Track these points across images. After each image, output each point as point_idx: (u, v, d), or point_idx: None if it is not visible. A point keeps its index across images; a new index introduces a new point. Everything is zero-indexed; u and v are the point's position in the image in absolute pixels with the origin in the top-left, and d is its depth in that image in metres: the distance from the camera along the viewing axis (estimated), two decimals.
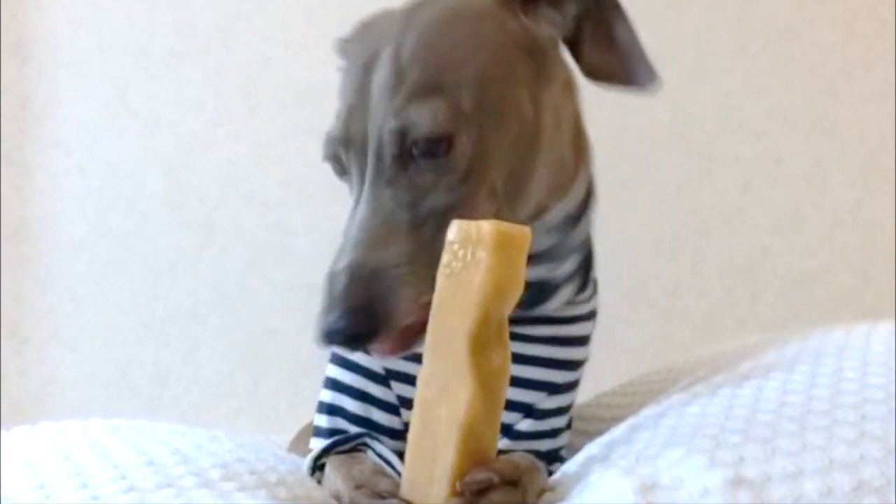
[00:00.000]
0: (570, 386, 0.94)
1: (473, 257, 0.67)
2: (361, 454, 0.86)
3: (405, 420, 0.89)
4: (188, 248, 1.99)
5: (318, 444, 0.89)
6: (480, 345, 0.67)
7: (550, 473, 0.88)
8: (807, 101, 1.98)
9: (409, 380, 0.89)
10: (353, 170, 0.78)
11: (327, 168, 0.87)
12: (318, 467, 0.87)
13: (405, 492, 0.69)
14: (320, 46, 1.45)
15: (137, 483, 0.70)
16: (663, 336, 1.95)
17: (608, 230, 1.95)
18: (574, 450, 0.84)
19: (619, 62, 0.88)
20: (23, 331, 2.00)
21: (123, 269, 1.99)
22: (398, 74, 0.76)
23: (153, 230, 1.99)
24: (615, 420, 0.88)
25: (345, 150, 0.78)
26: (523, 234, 0.69)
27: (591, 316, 0.95)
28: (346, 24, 0.89)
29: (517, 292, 0.69)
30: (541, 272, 0.87)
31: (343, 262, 0.73)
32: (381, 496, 0.72)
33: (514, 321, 0.87)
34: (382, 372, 0.90)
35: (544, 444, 0.91)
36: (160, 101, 2.00)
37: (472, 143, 0.76)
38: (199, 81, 1.99)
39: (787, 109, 1.98)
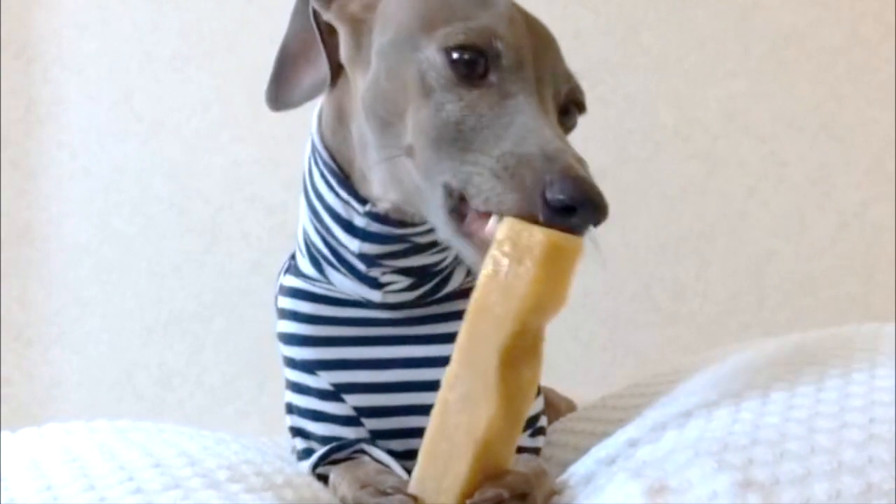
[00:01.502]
0: None
1: (521, 264, 0.64)
2: (362, 458, 0.86)
3: (370, 428, 0.89)
4: (193, 251, 1.99)
5: (302, 466, 0.90)
6: (512, 358, 0.65)
7: (537, 451, 0.89)
8: (811, 104, 1.98)
9: (361, 388, 0.89)
10: (519, 78, 0.75)
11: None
12: (318, 477, 0.88)
13: (414, 488, 0.69)
14: None
15: (145, 484, 0.70)
16: (668, 339, 1.95)
17: (613, 234, 1.96)
18: (581, 451, 0.83)
19: None
20: (27, 334, 2.00)
21: (128, 272, 2.00)
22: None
23: (158, 233, 1.99)
24: (621, 422, 0.88)
25: (512, 54, 0.75)
26: (575, 248, 0.66)
27: None
28: None
29: (560, 306, 0.67)
30: (437, 258, 0.88)
31: (555, 145, 0.69)
32: (386, 493, 0.72)
33: (433, 302, 0.89)
34: (331, 388, 0.89)
35: None
36: (165, 104, 2.00)
37: None
38: (203, 84, 2.00)
39: (792, 113, 1.98)
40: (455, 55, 0.74)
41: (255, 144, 1.99)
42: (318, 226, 0.89)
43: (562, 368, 1.86)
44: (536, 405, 0.93)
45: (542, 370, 0.95)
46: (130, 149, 2.00)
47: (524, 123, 0.71)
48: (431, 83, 0.75)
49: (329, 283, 0.90)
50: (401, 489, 0.70)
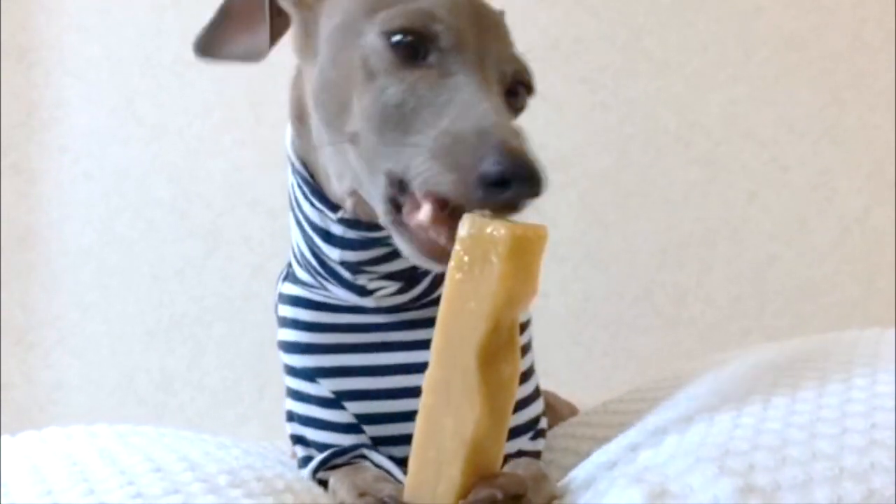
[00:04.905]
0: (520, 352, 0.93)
1: (486, 261, 0.63)
2: (362, 464, 0.86)
3: (371, 435, 0.89)
4: (194, 255, 1.99)
5: (302, 473, 0.89)
6: (490, 355, 0.65)
7: (538, 454, 0.89)
8: (813, 109, 1.98)
9: (362, 395, 0.89)
10: (459, 58, 0.75)
11: None
12: (318, 482, 0.88)
13: (408, 497, 0.69)
14: None
15: (145, 489, 0.70)
16: (669, 344, 1.95)
17: (614, 238, 1.97)
18: (582, 455, 0.83)
19: None
20: (29, 338, 2.00)
21: (129, 276, 2.00)
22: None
23: (159, 237, 1.99)
24: (622, 426, 0.87)
25: (451, 35, 0.75)
26: (540, 237, 0.65)
27: None
28: None
29: (532, 297, 0.66)
30: None
31: (491, 119, 0.69)
32: (384, 502, 0.72)
33: (430, 304, 0.88)
34: (332, 396, 0.89)
35: (520, 417, 0.90)
36: (166, 108, 2.01)
37: None
38: (205, 88, 2.00)
39: (794, 118, 1.98)
40: (394, 39, 0.75)
41: (256, 149, 1.99)
42: (304, 238, 0.89)
43: (563, 373, 1.86)
44: (536, 407, 0.93)
45: (543, 375, 0.96)
46: (132, 153, 2.00)
47: (463, 100, 0.71)
48: (373, 67, 0.76)
49: (325, 290, 0.90)
50: (397, 498, 0.70)
